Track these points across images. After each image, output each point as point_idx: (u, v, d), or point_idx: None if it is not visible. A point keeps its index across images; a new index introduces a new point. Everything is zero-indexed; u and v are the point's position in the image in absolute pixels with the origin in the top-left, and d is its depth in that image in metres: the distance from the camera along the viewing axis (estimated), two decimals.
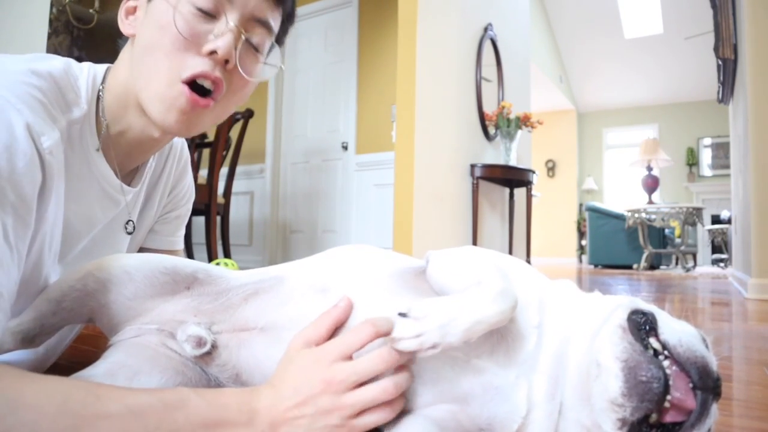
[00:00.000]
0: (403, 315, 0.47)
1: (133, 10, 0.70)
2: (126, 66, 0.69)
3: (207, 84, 0.65)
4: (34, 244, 0.60)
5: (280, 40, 0.75)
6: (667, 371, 0.45)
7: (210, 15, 0.64)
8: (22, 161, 0.53)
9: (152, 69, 0.65)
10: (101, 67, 0.72)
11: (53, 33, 5.28)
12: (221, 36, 0.64)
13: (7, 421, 0.40)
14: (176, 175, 0.91)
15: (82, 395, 0.44)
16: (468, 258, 0.56)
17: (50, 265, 0.68)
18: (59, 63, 0.65)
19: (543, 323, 0.53)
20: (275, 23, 0.71)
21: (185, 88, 0.64)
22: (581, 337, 0.51)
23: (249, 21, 0.67)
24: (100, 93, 0.69)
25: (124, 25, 0.70)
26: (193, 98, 0.65)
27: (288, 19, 0.74)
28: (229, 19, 0.65)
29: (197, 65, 0.64)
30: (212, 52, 0.64)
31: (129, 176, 0.80)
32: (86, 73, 0.69)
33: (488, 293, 0.48)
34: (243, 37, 0.66)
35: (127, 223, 0.82)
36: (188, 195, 0.97)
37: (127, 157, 0.76)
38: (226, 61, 0.65)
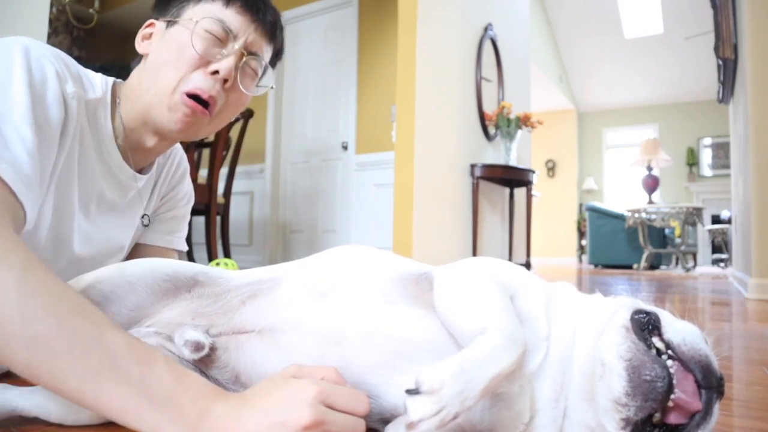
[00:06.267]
0: (412, 391, 0.41)
1: (149, 36, 0.82)
2: (137, 81, 0.81)
3: (204, 97, 0.77)
4: (54, 176, 0.70)
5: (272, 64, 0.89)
6: (671, 370, 0.45)
7: (219, 40, 0.78)
8: (51, 95, 0.66)
9: (161, 80, 0.77)
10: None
11: (53, 33, 5.28)
12: (224, 58, 0.77)
13: None
14: (173, 180, 0.99)
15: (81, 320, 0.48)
16: (471, 284, 0.53)
17: (77, 218, 0.78)
18: None
19: (551, 332, 0.52)
20: (267, 56, 0.85)
21: (185, 96, 0.76)
22: (585, 339, 0.51)
23: (247, 52, 0.81)
24: (118, 100, 0.81)
25: (141, 46, 0.82)
26: (192, 104, 0.77)
27: (277, 55, 0.88)
28: (235, 45, 0.79)
29: (199, 81, 0.76)
30: (215, 72, 0.77)
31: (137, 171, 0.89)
32: (96, 73, 0.80)
33: (497, 342, 0.45)
34: (242, 61, 0.79)
35: (142, 216, 0.93)
36: (187, 197, 1.02)
37: (132, 155, 0.85)
38: (225, 81, 0.78)
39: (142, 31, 0.83)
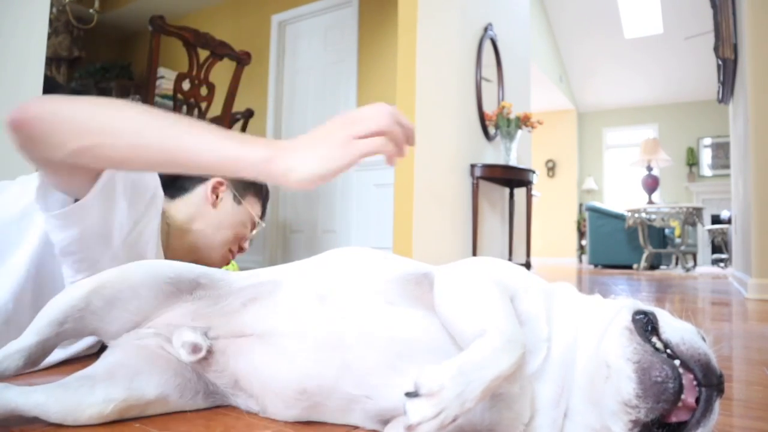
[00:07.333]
0: (411, 394, 0.41)
1: (217, 190, 1.11)
2: (190, 210, 1.10)
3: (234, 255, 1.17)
4: (140, 239, 0.89)
5: None
6: (680, 370, 0.45)
7: (253, 225, 1.18)
8: (159, 197, 0.91)
9: (218, 240, 1.12)
10: None
11: (53, 33, 5.27)
12: (248, 240, 1.18)
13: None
14: None
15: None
16: (471, 285, 0.53)
17: None
18: None
19: (551, 334, 0.52)
20: None
21: (231, 253, 1.16)
22: (586, 341, 0.51)
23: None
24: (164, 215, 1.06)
25: (210, 197, 1.11)
26: (231, 256, 1.17)
27: None
28: (251, 232, 1.19)
29: (235, 248, 1.17)
30: (241, 246, 1.18)
31: None
32: None
33: (496, 344, 0.44)
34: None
35: None
36: None
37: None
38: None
39: (213, 182, 1.12)
